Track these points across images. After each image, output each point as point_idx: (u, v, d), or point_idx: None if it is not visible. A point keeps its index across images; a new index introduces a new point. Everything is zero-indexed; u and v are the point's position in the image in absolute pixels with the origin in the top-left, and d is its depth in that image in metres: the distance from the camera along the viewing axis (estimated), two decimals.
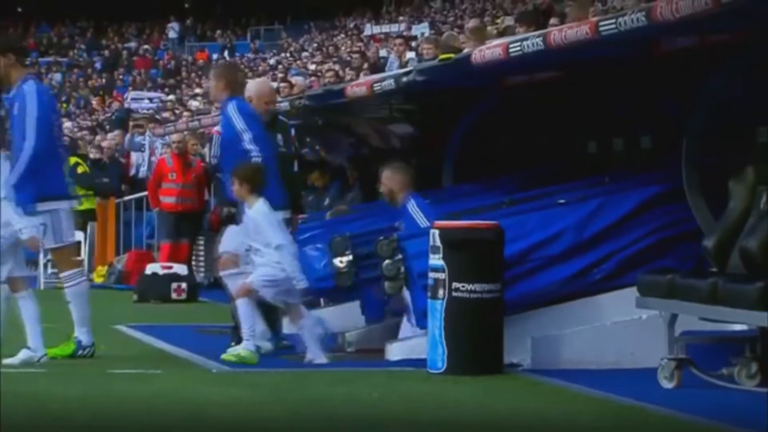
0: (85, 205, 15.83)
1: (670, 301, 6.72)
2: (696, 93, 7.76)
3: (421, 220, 8.33)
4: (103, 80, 38.98)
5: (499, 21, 15.46)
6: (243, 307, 7.88)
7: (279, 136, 8.73)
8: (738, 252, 6.68)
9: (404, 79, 9.68)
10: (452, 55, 9.46)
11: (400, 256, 8.08)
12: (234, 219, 8.39)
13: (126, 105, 30.19)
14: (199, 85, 33.10)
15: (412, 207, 8.50)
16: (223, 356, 7.78)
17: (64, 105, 36.55)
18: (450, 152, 10.67)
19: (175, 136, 15.57)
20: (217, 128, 8.74)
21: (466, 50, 9.63)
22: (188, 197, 14.17)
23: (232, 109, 8.23)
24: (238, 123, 8.15)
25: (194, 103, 25.35)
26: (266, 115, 8.61)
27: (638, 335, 7.34)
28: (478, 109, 10.38)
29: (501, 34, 11.66)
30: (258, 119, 8.29)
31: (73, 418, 5.80)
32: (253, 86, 8.94)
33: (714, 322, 6.73)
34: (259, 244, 7.91)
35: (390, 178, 8.60)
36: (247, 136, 8.10)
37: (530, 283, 7.84)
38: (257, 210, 7.90)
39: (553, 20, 11.58)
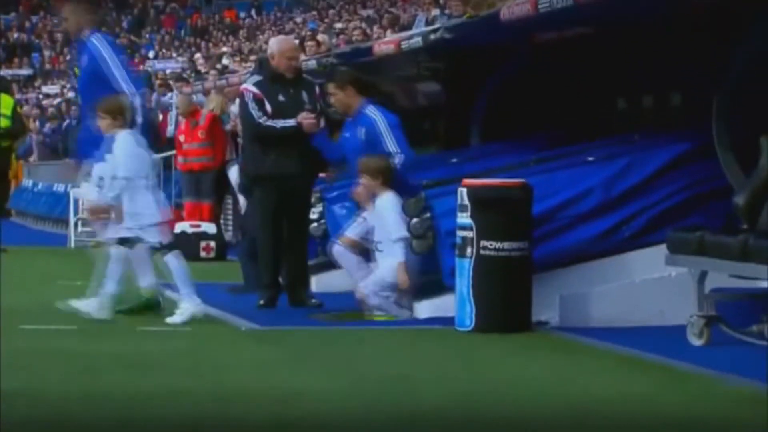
0: None
1: (700, 258, 6.68)
2: (727, 51, 7.67)
3: (383, 125, 8.26)
4: (130, 39, 38.96)
5: None
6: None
7: (304, 94, 8.71)
8: None
9: (432, 36, 9.62)
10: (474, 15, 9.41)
11: (428, 215, 8.06)
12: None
13: (148, 69, 30.15)
14: (227, 45, 33.08)
15: (371, 111, 8.39)
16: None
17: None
18: (478, 111, 10.63)
19: (176, 99, 15.55)
20: (245, 86, 8.70)
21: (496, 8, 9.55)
22: (195, 156, 14.09)
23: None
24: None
25: (224, 61, 25.32)
26: (290, 71, 8.61)
27: (667, 293, 7.32)
28: (507, 67, 10.32)
29: None
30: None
31: (103, 375, 5.84)
32: (274, 43, 8.94)
33: (744, 279, 6.69)
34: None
35: (338, 89, 8.44)
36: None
37: (559, 241, 7.82)
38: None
39: None
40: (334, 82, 8.67)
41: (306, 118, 8.47)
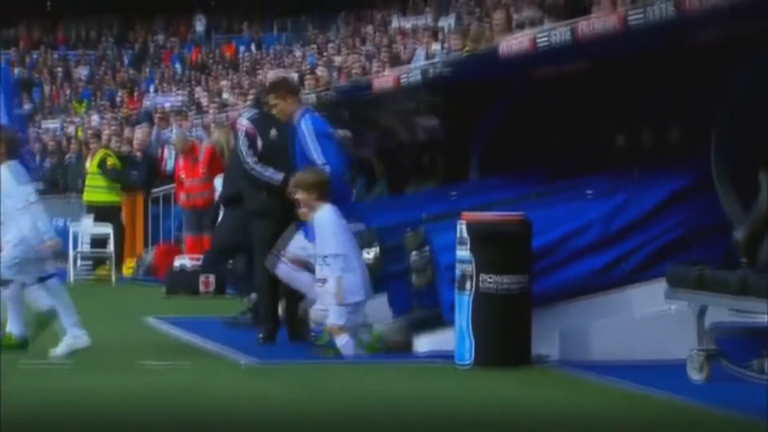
0: (113, 198, 15.92)
1: (700, 293, 6.68)
2: (725, 84, 7.70)
3: (310, 135, 8.18)
4: (131, 74, 39.11)
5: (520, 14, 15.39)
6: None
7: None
8: None
9: (431, 71, 9.66)
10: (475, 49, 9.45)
11: (427, 249, 8.06)
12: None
13: (147, 104, 30.21)
14: (227, 78, 33.18)
15: (305, 119, 8.31)
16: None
17: (92, 99, 36.72)
18: (477, 145, 10.64)
19: (173, 137, 15.64)
20: (240, 120, 8.75)
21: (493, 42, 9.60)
22: (197, 192, 14.18)
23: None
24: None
25: (223, 95, 25.41)
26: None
27: (667, 327, 7.31)
28: (505, 101, 10.34)
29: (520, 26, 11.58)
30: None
31: (103, 410, 5.82)
32: (274, 82, 8.99)
33: (744, 313, 6.68)
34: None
35: (279, 99, 8.37)
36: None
37: (558, 275, 7.81)
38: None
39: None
40: (273, 91, 8.54)
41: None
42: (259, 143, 8.55)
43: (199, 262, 13.31)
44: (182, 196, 14.45)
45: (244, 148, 8.53)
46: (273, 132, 8.59)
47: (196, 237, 14.21)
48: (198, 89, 30.75)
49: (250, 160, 8.49)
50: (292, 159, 8.40)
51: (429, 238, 8.05)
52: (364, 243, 8.67)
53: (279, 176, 8.43)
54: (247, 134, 8.57)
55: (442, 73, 9.40)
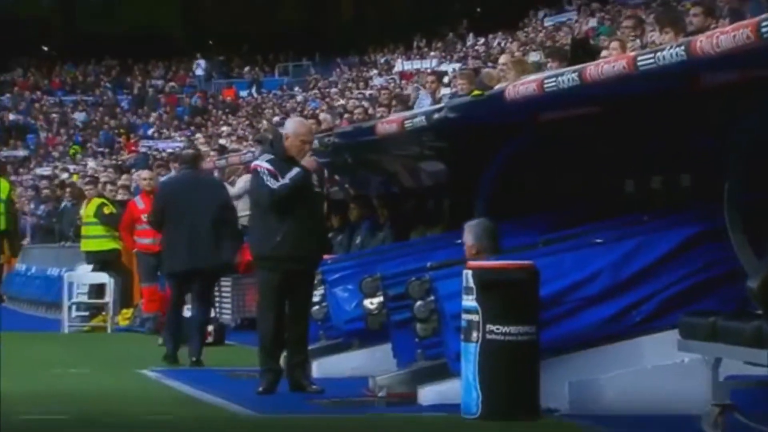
0: (113, 246, 15.91)
1: (713, 345, 6.63)
2: (736, 129, 7.70)
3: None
4: (129, 119, 39.26)
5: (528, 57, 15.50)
6: None
7: (314, 176, 8.84)
8: None
9: (436, 115, 9.67)
10: (482, 92, 9.46)
11: (432, 297, 8.04)
12: None
13: (141, 151, 30.26)
14: (227, 123, 33.31)
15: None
16: None
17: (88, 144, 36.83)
18: (483, 190, 10.63)
19: (144, 173, 15.56)
20: (258, 163, 8.84)
21: (499, 86, 9.62)
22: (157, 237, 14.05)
23: None
24: None
25: (221, 141, 25.48)
26: (302, 154, 8.79)
27: (680, 380, 7.25)
28: (512, 145, 10.34)
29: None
30: None
31: None
32: (290, 124, 9.17)
33: (759, 366, 6.63)
34: None
35: None
36: None
37: (567, 325, 7.77)
38: None
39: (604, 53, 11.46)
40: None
41: (307, 160, 8.68)
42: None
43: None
44: (145, 239, 13.94)
45: (269, 181, 8.65)
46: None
47: (153, 287, 14.10)
48: (198, 135, 30.84)
49: (275, 185, 8.62)
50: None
51: (434, 286, 8.03)
52: (367, 291, 8.67)
53: (296, 170, 8.63)
54: (270, 173, 8.69)
55: (447, 116, 9.41)
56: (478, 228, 8.65)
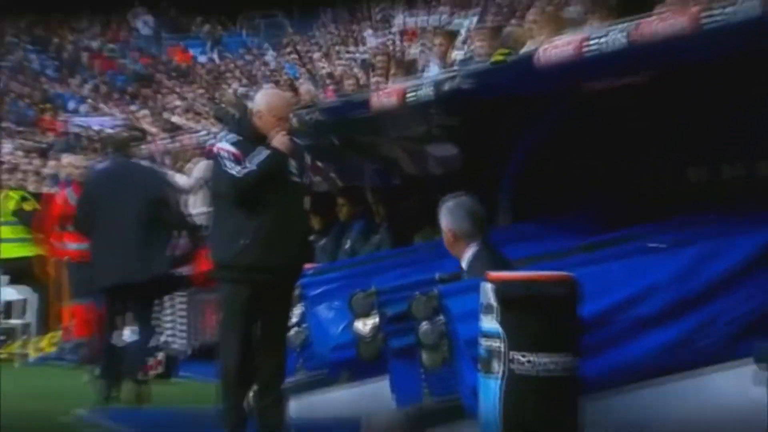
0: (32, 252, 15.92)
1: None
2: None
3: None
4: (54, 89, 39.25)
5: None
6: None
7: (291, 162, 8.84)
8: None
9: (447, 85, 9.70)
10: (506, 53, 9.47)
11: (441, 318, 8.06)
12: None
13: (69, 130, 30.27)
14: (179, 94, 33.34)
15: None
16: None
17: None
18: (507, 181, 10.66)
19: (73, 159, 15.54)
20: (220, 145, 8.85)
21: (527, 48, 9.63)
22: None
23: None
24: None
25: (172, 118, 25.52)
26: (275, 134, 8.81)
27: (756, 422, 7.27)
28: (544, 124, 10.37)
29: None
30: None
31: None
32: (261, 97, 9.13)
33: None
34: None
35: None
36: None
37: (615, 353, 7.79)
38: None
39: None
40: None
41: (276, 138, 8.74)
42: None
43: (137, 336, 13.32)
44: (77, 245, 13.68)
45: (231, 167, 8.67)
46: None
47: (85, 305, 14.05)
48: (144, 112, 30.84)
49: (237, 171, 8.65)
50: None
51: (444, 303, 8.05)
52: (359, 310, 8.70)
53: (265, 152, 8.69)
54: (234, 157, 8.72)
55: (461, 86, 9.43)
56: (457, 208, 8.67)
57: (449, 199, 8.81)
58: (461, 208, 8.71)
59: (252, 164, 8.68)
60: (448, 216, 8.70)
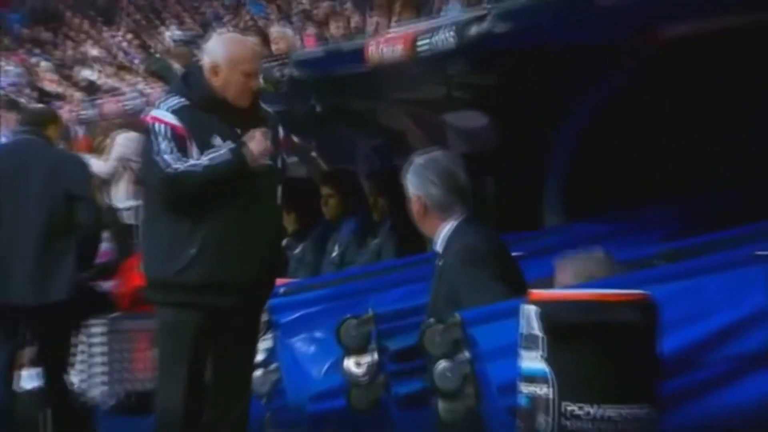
0: None
1: None
2: None
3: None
4: None
5: None
6: None
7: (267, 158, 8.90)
8: None
9: (473, 29, 9.71)
10: None
11: (465, 354, 8.09)
12: None
13: None
14: (96, 39, 33.38)
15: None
16: None
17: None
18: (557, 164, 10.68)
19: None
20: (155, 114, 8.82)
21: None
22: None
23: None
24: None
25: (86, 73, 25.56)
26: (243, 97, 8.86)
27: None
28: (605, 85, 10.41)
29: None
30: None
31: None
32: (218, 46, 9.08)
33: None
34: None
35: None
36: None
37: (709, 402, 7.81)
38: None
39: None
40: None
41: (254, 138, 8.77)
42: (194, 152, 8.72)
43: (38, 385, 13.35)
44: None
45: (165, 154, 8.67)
46: (217, 140, 8.78)
47: None
48: (44, 64, 30.92)
49: (171, 163, 8.65)
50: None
51: (469, 333, 8.08)
52: (350, 343, 8.72)
53: (224, 152, 8.71)
54: (174, 135, 8.72)
55: (493, 30, 9.45)
56: (430, 168, 8.65)
57: (419, 157, 8.77)
58: (435, 168, 8.68)
59: (203, 159, 8.68)
60: (417, 178, 8.66)
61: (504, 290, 8.31)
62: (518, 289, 8.22)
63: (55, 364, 11.55)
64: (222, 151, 8.69)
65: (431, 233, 8.65)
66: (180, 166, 8.64)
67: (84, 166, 12.09)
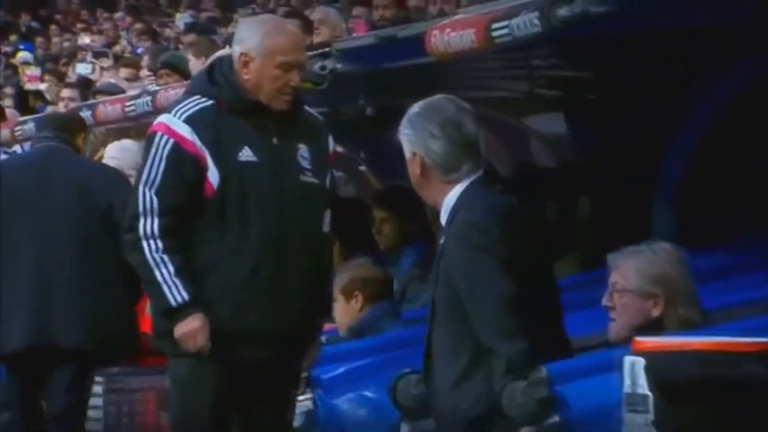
0: None
1: None
2: None
3: None
4: None
5: None
6: None
7: (302, 149, 8.97)
8: None
9: (562, 11, 9.71)
10: None
11: (556, 419, 8.09)
12: None
13: None
14: (95, 28, 33.57)
15: None
16: None
17: None
18: (668, 180, 10.68)
19: None
20: (163, 121, 8.84)
21: None
22: None
23: None
24: None
25: (82, 68, 25.71)
26: (280, 99, 8.89)
27: None
28: (733, 78, 10.40)
29: None
30: None
31: None
32: (252, 33, 9.10)
33: None
34: None
35: None
36: None
37: None
38: None
39: None
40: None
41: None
42: (213, 177, 8.77)
43: None
44: None
45: (154, 173, 8.75)
46: (247, 154, 8.84)
47: None
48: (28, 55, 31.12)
49: (151, 201, 8.75)
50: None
51: (557, 392, 8.08)
52: (409, 402, 8.72)
53: (183, 295, 8.73)
54: (179, 154, 8.75)
55: (589, 11, 9.43)
56: (430, 118, 8.49)
57: (415, 105, 8.59)
58: (435, 118, 8.55)
59: (163, 269, 8.76)
60: (414, 132, 8.52)
61: (509, 290, 8.12)
62: (538, 291, 8.19)
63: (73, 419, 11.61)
64: (180, 294, 8.76)
65: (435, 201, 8.44)
66: (144, 230, 8.76)
67: (124, 184, 12.10)
